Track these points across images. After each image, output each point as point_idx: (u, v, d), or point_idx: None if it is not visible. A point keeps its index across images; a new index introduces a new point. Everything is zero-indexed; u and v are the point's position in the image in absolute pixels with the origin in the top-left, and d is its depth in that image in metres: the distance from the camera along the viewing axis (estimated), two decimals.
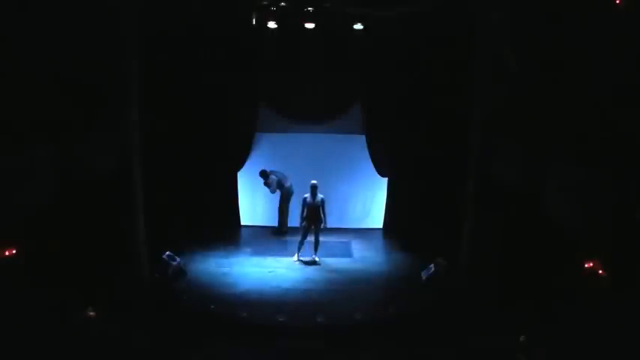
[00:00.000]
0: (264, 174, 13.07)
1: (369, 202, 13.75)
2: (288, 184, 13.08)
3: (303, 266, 11.87)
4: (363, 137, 13.08)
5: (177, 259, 11.12)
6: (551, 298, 8.78)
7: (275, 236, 13.28)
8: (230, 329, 9.60)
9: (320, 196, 11.82)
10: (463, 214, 11.09)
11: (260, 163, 13.15)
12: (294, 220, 12.78)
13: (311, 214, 11.83)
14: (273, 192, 13.13)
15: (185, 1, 10.96)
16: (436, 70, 11.95)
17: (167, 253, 11.05)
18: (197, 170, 12.73)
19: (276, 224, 13.45)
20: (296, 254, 12.07)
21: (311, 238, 11.99)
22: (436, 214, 12.29)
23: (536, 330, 8.31)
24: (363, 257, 12.41)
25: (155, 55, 10.97)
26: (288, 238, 12.95)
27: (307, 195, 11.87)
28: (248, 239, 13.22)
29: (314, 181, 11.81)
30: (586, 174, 8.07)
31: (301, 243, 12.01)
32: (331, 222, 13.27)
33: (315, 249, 12.04)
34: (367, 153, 13.12)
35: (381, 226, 13.78)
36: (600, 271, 7.93)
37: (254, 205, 13.63)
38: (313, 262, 11.99)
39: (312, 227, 11.91)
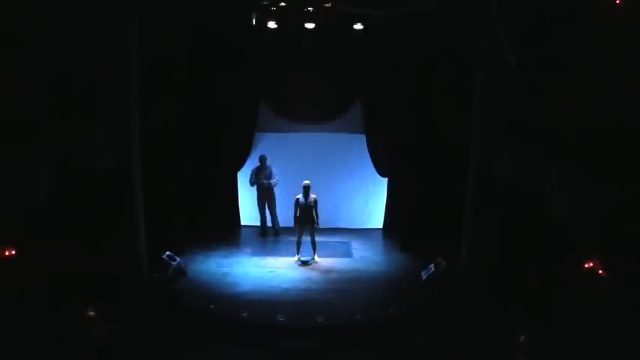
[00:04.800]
0: (262, 159, 12.87)
1: (369, 202, 13.75)
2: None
3: (303, 266, 11.87)
4: (363, 137, 13.07)
5: (177, 259, 11.12)
6: (551, 298, 8.78)
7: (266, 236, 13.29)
8: (230, 329, 9.61)
9: (312, 196, 11.79)
10: (463, 214, 11.09)
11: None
12: (286, 220, 12.80)
13: (304, 214, 11.81)
14: (275, 184, 12.97)
15: (185, 1, 10.96)
16: (436, 69, 11.94)
17: (167, 253, 11.05)
18: (197, 170, 12.72)
19: (274, 224, 13.42)
20: (296, 255, 12.07)
21: (307, 239, 11.99)
22: (436, 214, 12.27)
23: (536, 330, 8.32)
24: (363, 257, 12.39)
25: (155, 54, 10.97)
26: (289, 238, 12.93)
27: (300, 195, 11.84)
28: (248, 239, 13.21)
29: (307, 182, 11.79)
30: (586, 174, 8.06)
31: (298, 243, 12.00)
32: (331, 222, 13.32)
33: (314, 249, 12.04)
34: (367, 153, 13.11)
35: (381, 226, 13.77)
36: (600, 271, 7.92)
37: (254, 205, 13.62)
38: (313, 262, 11.99)
39: (307, 228, 11.90)
